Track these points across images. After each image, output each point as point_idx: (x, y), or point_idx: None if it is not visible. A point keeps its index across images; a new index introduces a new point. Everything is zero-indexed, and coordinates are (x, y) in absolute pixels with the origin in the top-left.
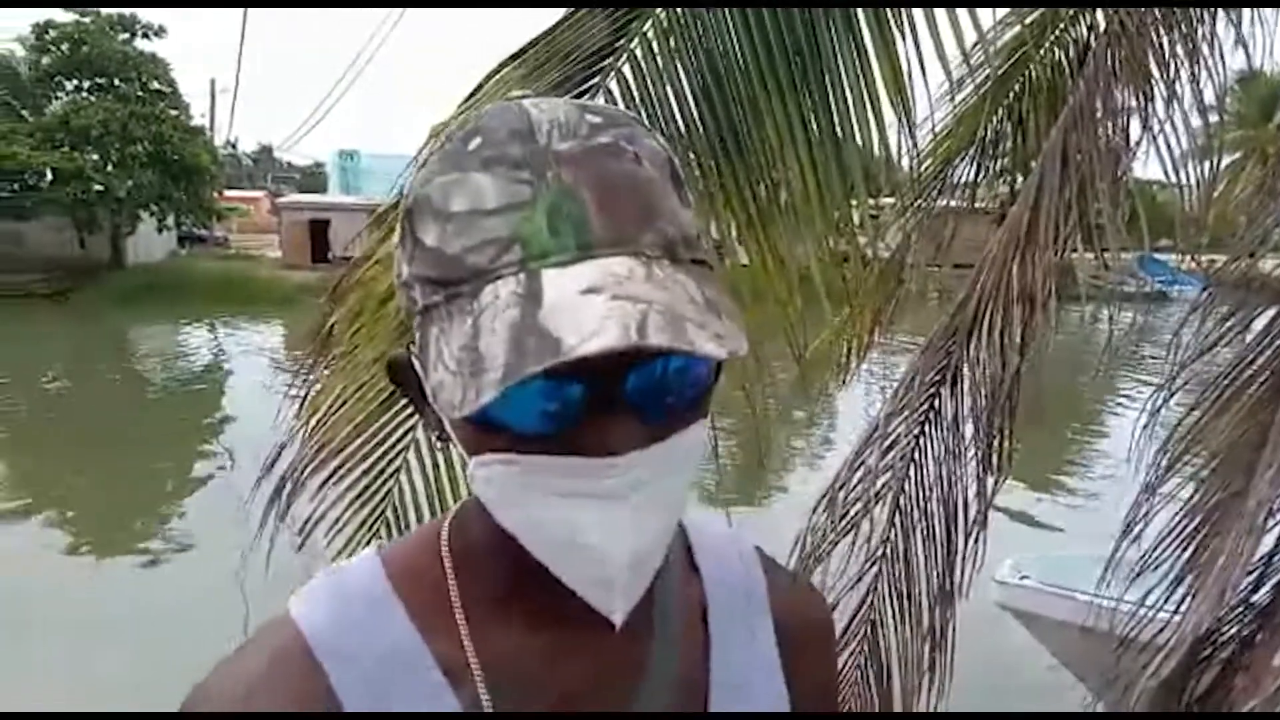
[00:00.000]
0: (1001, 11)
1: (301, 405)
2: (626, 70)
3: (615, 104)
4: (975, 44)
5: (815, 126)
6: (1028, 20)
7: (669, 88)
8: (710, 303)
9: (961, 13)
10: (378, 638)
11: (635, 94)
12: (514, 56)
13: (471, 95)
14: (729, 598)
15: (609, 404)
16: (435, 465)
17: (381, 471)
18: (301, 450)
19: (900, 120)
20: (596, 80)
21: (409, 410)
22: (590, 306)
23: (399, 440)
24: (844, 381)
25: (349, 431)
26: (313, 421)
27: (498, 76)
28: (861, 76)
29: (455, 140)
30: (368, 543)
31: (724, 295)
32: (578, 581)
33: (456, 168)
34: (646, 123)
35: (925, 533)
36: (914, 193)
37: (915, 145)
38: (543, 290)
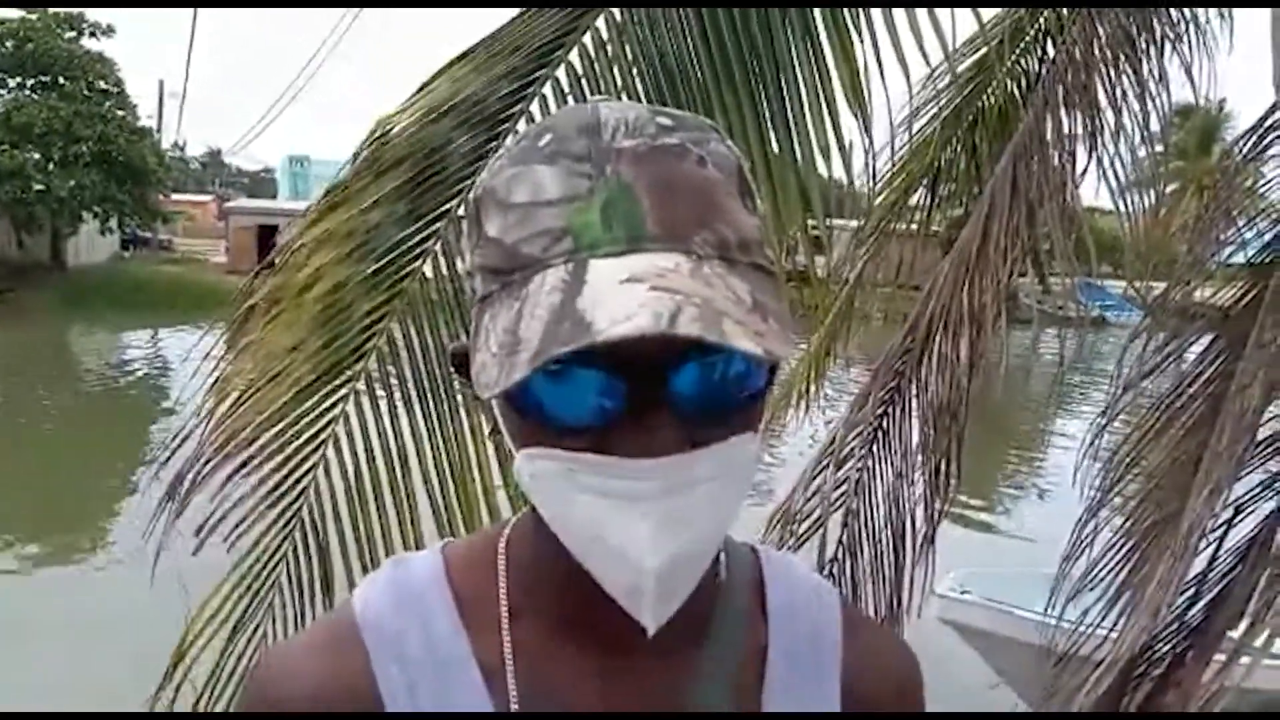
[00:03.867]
0: (963, 34)
1: (208, 394)
2: (575, 60)
3: (562, 95)
4: (937, 67)
5: (773, 140)
6: (993, 41)
7: (618, 81)
8: (758, 305)
9: (923, 19)
10: (422, 627)
11: (584, 86)
12: (465, 54)
13: (421, 89)
14: (794, 644)
15: (651, 401)
16: (357, 464)
17: (295, 468)
18: (203, 443)
19: (857, 119)
20: (543, 72)
21: (329, 402)
22: (628, 294)
23: (317, 434)
24: (805, 405)
25: (259, 423)
26: (219, 411)
27: (449, 71)
28: (819, 84)
29: (528, 137)
30: (278, 547)
31: (779, 302)
32: (610, 584)
33: (523, 161)
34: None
35: (872, 551)
36: (871, 220)
37: (874, 155)
38: (586, 278)
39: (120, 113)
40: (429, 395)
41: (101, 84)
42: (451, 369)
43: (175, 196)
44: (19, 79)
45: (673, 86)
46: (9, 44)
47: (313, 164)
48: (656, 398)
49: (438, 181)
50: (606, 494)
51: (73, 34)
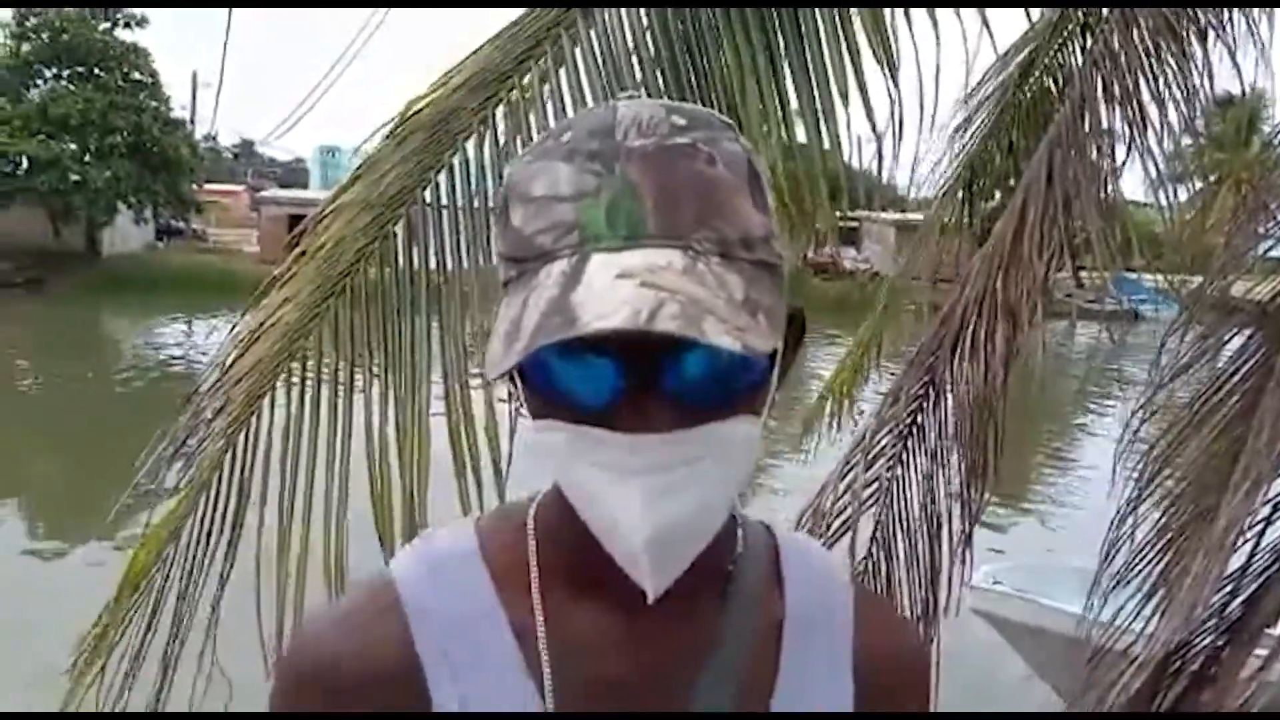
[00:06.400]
0: (1012, 36)
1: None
2: (586, 28)
3: (562, 56)
4: (988, 71)
5: (800, 124)
6: (1033, 36)
7: (629, 42)
8: (750, 301)
9: (970, 20)
10: (458, 594)
11: (597, 55)
12: (496, 36)
13: (452, 70)
14: (809, 614)
15: (647, 386)
16: (302, 397)
17: (251, 405)
18: (207, 392)
19: (892, 110)
20: (551, 34)
21: (292, 341)
22: (616, 290)
23: (275, 369)
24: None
25: (248, 368)
26: (228, 361)
27: (477, 54)
28: (847, 49)
29: (553, 134)
30: (203, 480)
31: (776, 298)
32: (612, 551)
33: (544, 157)
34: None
35: (907, 549)
36: (918, 217)
37: (895, 139)
38: (584, 273)
39: (154, 104)
40: (389, 339)
41: (136, 75)
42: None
43: (208, 186)
44: (55, 70)
45: (687, 50)
46: (45, 35)
47: (344, 154)
48: (655, 383)
49: (443, 137)
50: (603, 466)
51: (107, 25)
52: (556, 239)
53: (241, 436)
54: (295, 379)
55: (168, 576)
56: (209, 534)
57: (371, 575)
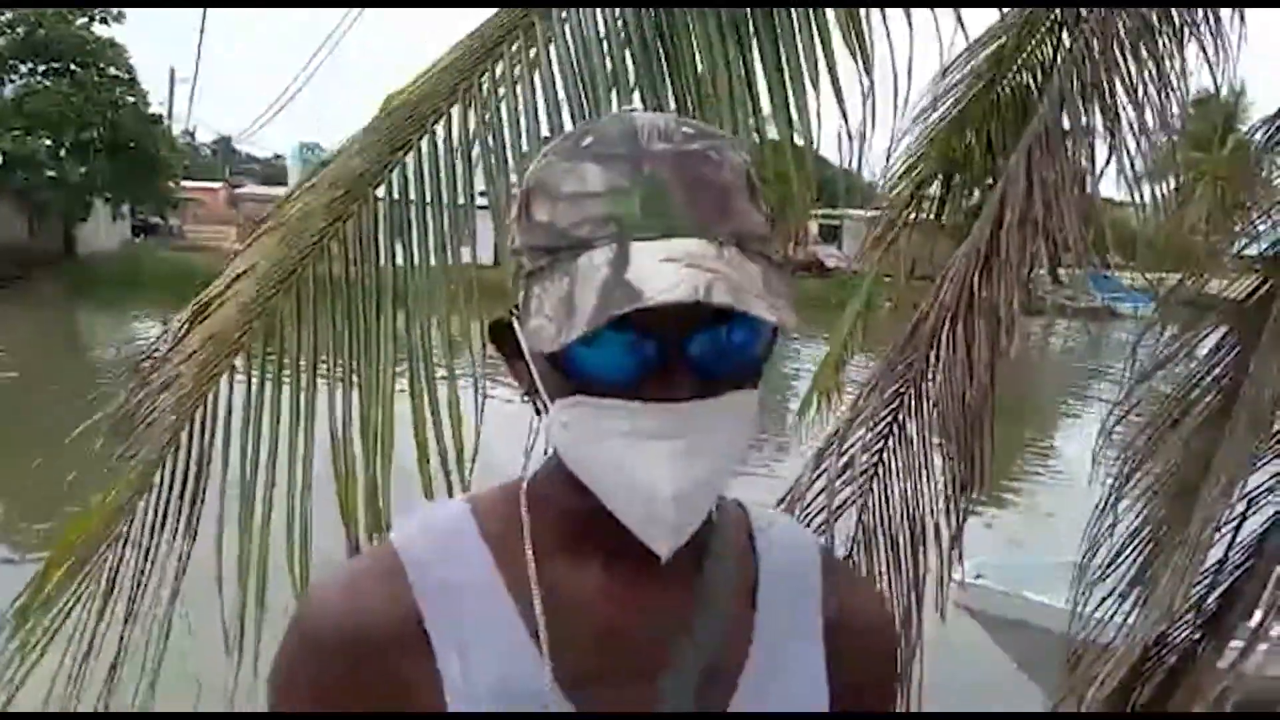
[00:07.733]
0: (981, 27)
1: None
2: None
3: (546, 51)
4: (955, 59)
5: (770, 123)
6: (1004, 34)
7: (601, 32)
8: (769, 285)
9: (944, 13)
10: (456, 557)
11: (569, 42)
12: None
13: (432, 66)
14: (780, 580)
15: (673, 361)
16: (263, 372)
17: (208, 381)
18: (154, 366)
19: (866, 104)
20: (524, 21)
21: (253, 316)
22: (668, 270)
23: (236, 343)
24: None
25: (206, 339)
26: (180, 333)
27: (456, 46)
28: (819, 46)
29: (571, 138)
30: (156, 466)
31: (784, 284)
32: (629, 516)
33: (570, 158)
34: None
35: (889, 551)
36: (889, 212)
37: (866, 139)
38: (630, 257)
39: (131, 99)
40: (361, 318)
41: (112, 70)
42: (492, 341)
43: (186, 183)
44: (30, 65)
45: (659, 40)
46: (20, 30)
47: (323, 151)
48: (678, 359)
49: (412, 119)
50: (631, 433)
51: (83, 20)
52: (593, 230)
53: (199, 413)
54: (256, 355)
55: (120, 560)
56: (164, 515)
57: (376, 545)
